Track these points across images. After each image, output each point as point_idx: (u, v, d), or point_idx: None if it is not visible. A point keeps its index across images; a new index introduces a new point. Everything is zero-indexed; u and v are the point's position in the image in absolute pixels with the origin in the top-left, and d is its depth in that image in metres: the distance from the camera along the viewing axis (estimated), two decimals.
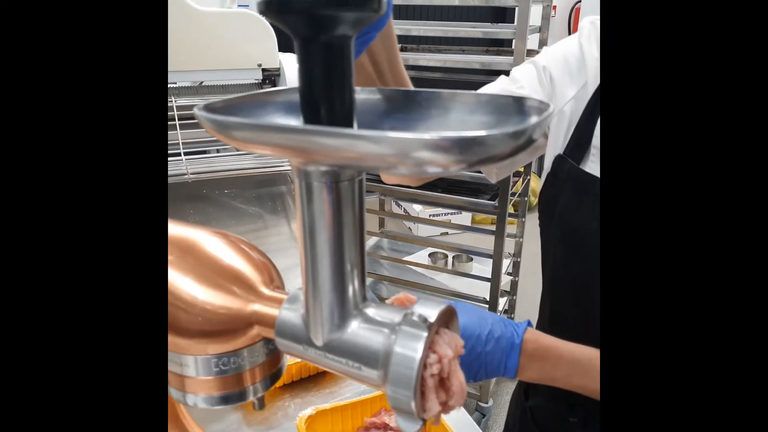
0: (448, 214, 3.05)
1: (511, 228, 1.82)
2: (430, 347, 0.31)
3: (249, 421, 0.68)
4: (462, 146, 0.23)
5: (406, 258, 2.21)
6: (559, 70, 0.59)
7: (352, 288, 0.33)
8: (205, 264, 0.38)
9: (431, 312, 0.31)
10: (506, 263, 1.87)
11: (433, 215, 2.95)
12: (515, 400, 0.78)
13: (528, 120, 0.28)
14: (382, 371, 0.31)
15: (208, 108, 0.30)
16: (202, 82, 1.25)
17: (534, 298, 2.39)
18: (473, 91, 0.32)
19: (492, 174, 0.70)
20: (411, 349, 0.30)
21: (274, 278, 0.40)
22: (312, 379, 0.75)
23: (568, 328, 0.60)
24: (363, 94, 0.35)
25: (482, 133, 0.23)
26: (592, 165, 0.55)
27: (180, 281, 0.37)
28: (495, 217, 1.68)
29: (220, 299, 0.36)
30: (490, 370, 0.49)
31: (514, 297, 2.07)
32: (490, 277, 1.76)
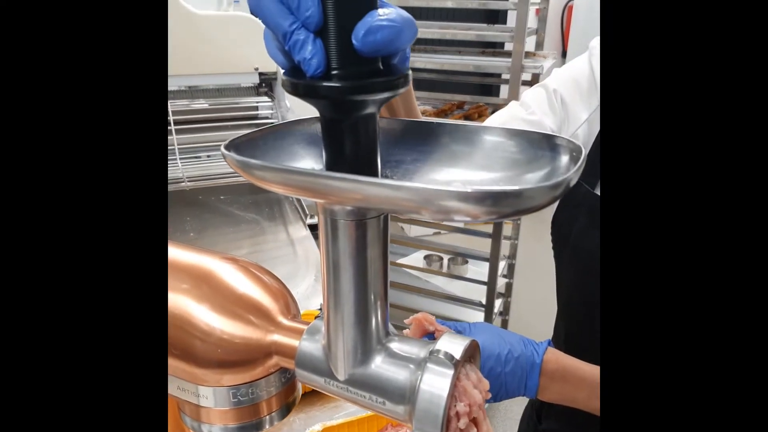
0: None
1: (505, 229, 1.83)
2: (459, 392, 0.30)
3: None
4: (497, 200, 0.23)
5: (401, 260, 2.21)
6: (570, 92, 0.59)
7: (376, 322, 0.33)
8: (222, 293, 0.37)
9: (456, 348, 0.31)
10: (501, 265, 1.88)
11: None
12: (526, 421, 0.77)
13: (561, 166, 0.27)
14: (409, 407, 0.31)
15: (233, 146, 0.29)
16: (189, 87, 1.23)
17: (528, 300, 2.40)
18: (500, 127, 0.31)
19: None
20: (438, 387, 0.30)
21: (290, 306, 0.39)
22: (316, 394, 0.75)
23: (583, 350, 0.60)
24: (388, 126, 0.34)
25: (519, 187, 0.23)
26: None
27: (197, 311, 0.36)
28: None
29: (240, 330, 0.36)
30: (510, 390, 0.49)
31: (509, 299, 2.08)
32: (486, 280, 1.76)
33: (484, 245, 1.77)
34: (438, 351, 0.31)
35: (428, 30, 1.69)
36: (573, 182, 0.24)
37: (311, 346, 0.35)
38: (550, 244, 0.64)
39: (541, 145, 0.30)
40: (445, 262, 2.20)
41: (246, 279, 0.39)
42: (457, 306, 1.87)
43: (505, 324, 2.09)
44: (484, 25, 1.98)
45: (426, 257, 2.21)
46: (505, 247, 1.90)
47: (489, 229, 1.74)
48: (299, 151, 0.34)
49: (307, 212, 1.21)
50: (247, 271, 0.40)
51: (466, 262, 2.16)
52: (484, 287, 1.78)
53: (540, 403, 0.73)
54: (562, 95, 0.59)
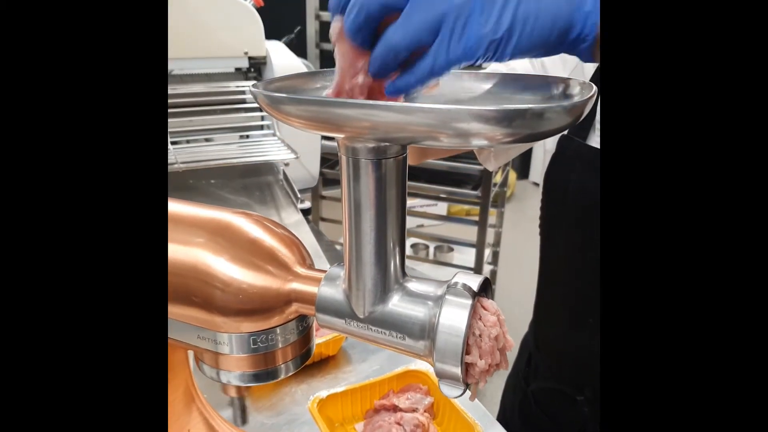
0: (424, 206, 3.07)
1: (490, 218, 1.85)
2: (478, 328, 0.32)
3: (258, 408, 0.68)
4: (518, 118, 0.25)
5: None
6: (551, 58, 0.61)
7: (394, 262, 0.34)
8: (239, 244, 0.38)
9: (473, 281, 0.33)
10: (486, 253, 1.90)
11: (410, 207, 2.96)
12: (512, 387, 0.79)
13: (576, 96, 0.29)
14: (428, 342, 0.32)
15: (260, 86, 0.30)
16: (172, 71, 1.22)
17: (513, 287, 2.44)
18: (512, 72, 0.33)
19: (490, 161, 0.71)
20: (457, 319, 0.31)
21: (305, 257, 0.40)
22: (316, 366, 0.76)
23: (583, 312, 0.62)
24: None
25: (540, 105, 0.25)
26: (599, 140, 0.57)
27: (216, 263, 0.37)
28: (469, 208, 1.71)
29: (259, 279, 0.37)
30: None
31: (494, 286, 2.11)
32: (472, 266, 1.79)
33: (465, 234, 1.79)
34: (456, 284, 0.32)
35: None
36: (587, 108, 0.26)
37: (330, 291, 0.36)
38: (530, 234, 0.65)
39: (552, 85, 0.31)
40: (431, 250, 2.22)
41: (261, 231, 0.40)
42: None
43: None
44: None
45: (413, 245, 2.23)
46: (489, 235, 1.94)
47: (468, 218, 1.77)
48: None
49: (299, 196, 1.22)
50: (261, 224, 0.41)
51: (452, 249, 2.19)
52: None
53: (527, 369, 0.75)
54: (543, 59, 0.61)
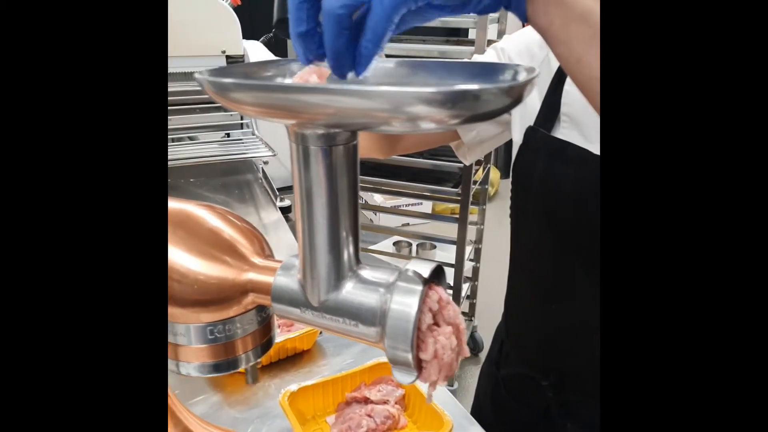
0: (409, 205, 3.08)
1: (471, 216, 1.86)
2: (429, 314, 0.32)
3: (230, 402, 0.68)
4: (458, 99, 0.25)
5: (371, 247, 2.23)
6: (518, 51, 0.62)
7: (347, 250, 0.34)
8: (198, 236, 0.38)
9: (424, 269, 0.33)
10: (468, 250, 1.91)
11: (395, 205, 2.98)
12: (485, 375, 0.80)
13: (518, 77, 0.30)
14: (380, 327, 0.33)
15: (207, 73, 0.30)
16: None
17: (495, 283, 2.45)
18: (459, 61, 0.34)
19: (465, 156, 0.72)
20: (407, 304, 0.32)
21: (264, 248, 0.41)
22: (289, 360, 0.76)
23: (547, 295, 0.63)
24: None
25: (478, 86, 0.25)
26: (564, 131, 0.58)
27: (174, 254, 0.37)
28: (454, 207, 1.72)
29: (215, 270, 0.37)
30: None
31: (476, 283, 2.12)
32: (453, 263, 1.79)
33: (449, 232, 1.80)
34: (407, 270, 0.33)
35: None
36: (527, 91, 0.27)
37: (286, 280, 0.36)
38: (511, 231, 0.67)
39: (498, 71, 0.32)
40: (414, 247, 2.23)
41: (220, 222, 0.40)
42: None
43: (472, 308, 2.13)
44: None
45: (395, 243, 2.24)
46: (471, 233, 1.94)
47: (453, 216, 1.77)
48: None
49: (278, 194, 1.22)
50: (221, 216, 0.41)
51: (434, 247, 2.20)
52: (451, 271, 1.81)
53: (498, 355, 0.76)
54: (510, 54, 0.62)
